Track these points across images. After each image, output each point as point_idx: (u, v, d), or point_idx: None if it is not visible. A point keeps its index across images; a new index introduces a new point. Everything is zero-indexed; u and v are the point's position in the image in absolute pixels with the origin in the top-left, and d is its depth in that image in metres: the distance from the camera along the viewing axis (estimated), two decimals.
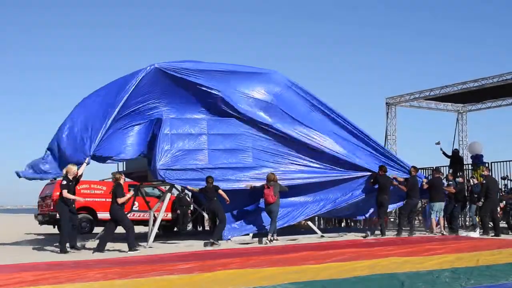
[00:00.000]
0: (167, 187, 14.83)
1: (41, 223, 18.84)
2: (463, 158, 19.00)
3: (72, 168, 12.08)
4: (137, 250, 11.67)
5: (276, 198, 13.39)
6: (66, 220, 11.97)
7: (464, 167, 19.41)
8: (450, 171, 17.53)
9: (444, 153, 18.55)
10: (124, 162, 15.29)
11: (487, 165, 18.30)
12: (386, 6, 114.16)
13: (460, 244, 11.24)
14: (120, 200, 11.80)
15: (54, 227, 19.05)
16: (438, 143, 18.40)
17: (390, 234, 15.07)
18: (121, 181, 12.17)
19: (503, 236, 14.45)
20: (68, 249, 11.79)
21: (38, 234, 18.27)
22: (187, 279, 7.24)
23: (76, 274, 7.60)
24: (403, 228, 15.00)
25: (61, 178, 12.17)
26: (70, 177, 12.03)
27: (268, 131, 14.26)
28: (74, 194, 12.24)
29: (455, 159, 18.61)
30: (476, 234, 14.57)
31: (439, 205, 15.11)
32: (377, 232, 14.99)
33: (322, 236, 14.21)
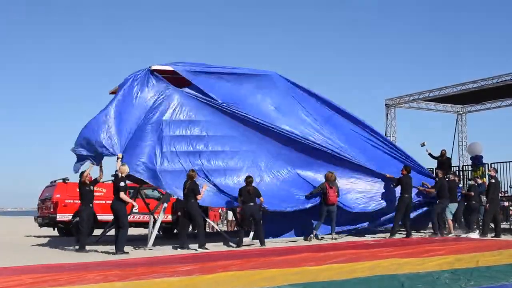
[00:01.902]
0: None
1: (41, 225, 18.84)
2: (451, 159, 18.77)
3: (126, 169, 12.09)
4: (207, 249, 12.14)
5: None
6: (126, 218, 12.02)
7: (453, 168, 19.24)
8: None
9: (430, 154, 18.12)
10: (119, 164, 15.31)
11: (486, 166, 18.31)
12: (386, 6, 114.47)
13: (460, 245, 11.23)
14: (200, 197, 12.34)
15: (54, 229, 19.05)
16: (423, 145, 18.14)
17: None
18: (196, 179, 12.52)
19: (503, 237, 14.47)
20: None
21: (38, 237, 18.26)
22: (187, 281, 7.23)
23: (76, 276, 7.59)
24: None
25: (116, 179, 12.09)
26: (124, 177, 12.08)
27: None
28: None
29: (443, 161, 18.22)
30: (475, 235, 14.59)
31: (453, 206, 15.24)
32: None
33: (322, 238, 14.20)
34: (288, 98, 15.03)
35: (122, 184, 11.82)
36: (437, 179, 15.52)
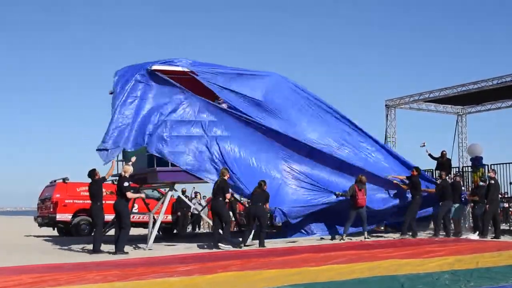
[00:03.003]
0: (167, 189, 14.82)
1: (40, 225, 18.84)
2: (451, 160, 18.73)
3: (130, 168, 12.20)
4: (225, 246, 12.24)
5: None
6: (129, 219, 12.13)
7: (453, 170, 19.22)
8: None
9: (430, 155, 17.97)
10: (124, 164, 15.30)
11: (487, 167, 18.29)
12: (386, 7, 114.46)
13: (460, 246, 11.23)
14: (228, 195, 12.67)
15: (53, 229, 19.05)
16: (423, 145, 18.11)
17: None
18: (226, 177, 12.76)
19: (502, 238, 14.47)
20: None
21: (38, 237, 18.25)
22: (187, 281, 7.23)
23: (75, 277, 7.59)
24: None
25: (120, 179, 12.14)
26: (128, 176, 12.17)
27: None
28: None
29: (443, 162, 18.17)
30: (475, 236, 14.59)
31: (457, 207, 15.34)
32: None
33: (322, 238, 14.20)
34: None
35: (126, 184, 11.80)
36: (440, 180, 15.49)
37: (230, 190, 13.43)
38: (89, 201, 17.76)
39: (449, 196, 14.93)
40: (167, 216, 18.33)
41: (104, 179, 12.65)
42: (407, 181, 15.11)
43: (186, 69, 13.98)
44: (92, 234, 13.87)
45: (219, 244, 12.34)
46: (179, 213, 18.78)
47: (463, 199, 15.74)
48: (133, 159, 12.65)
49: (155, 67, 13.53)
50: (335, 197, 14.16)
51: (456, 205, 15.26)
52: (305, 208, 13.86)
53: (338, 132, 15.29)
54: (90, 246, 12.54)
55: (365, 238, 13.99)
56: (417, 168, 15.27)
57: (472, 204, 15.83)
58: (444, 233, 14.92)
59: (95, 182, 12.25)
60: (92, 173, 12.33)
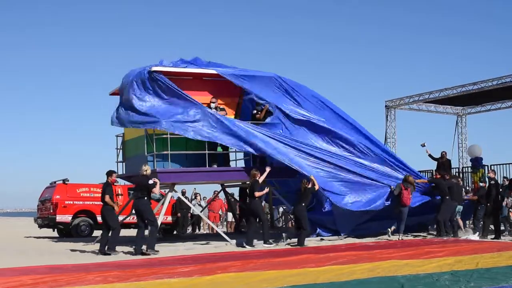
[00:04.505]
0: (167, 190, 14.83)
1: (40, 226, 18.83)
2: (451, 161, 18.75)
3: (149, 168, 12.21)
4: (271, 244, 12.61)
5: None
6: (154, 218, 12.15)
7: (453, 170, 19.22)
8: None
9: (430, 156, 18.01)
10: (124, 165, 15.33)
11: (487, 168, 18.29)
12: (386, 7, 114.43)
13: (460, 247, 11.23)
14: (258, 194, 12.80)
15: (53, 231, 19.04)
16: (423, 145, 18.10)
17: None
18: (257, 178, 12.98)
19: (503, 239, 14.46)
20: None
21: (38, 238, 18.24)
22: (187, 282, 7.24)
23: (76, 278, 7.60)
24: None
25: (144, 178, 11.96)
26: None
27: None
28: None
29: (443, 162, 18.17)
30: (475, 236, 14.59)
31: (459, 208, 15.41)
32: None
33: (322, 239, 14.20)
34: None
35: (151, 182, 11.79)
36: (444, 181, 15.52)
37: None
38: (89, 202, 18.00)
39: (455, 196, 15.01)
40: (167, 217, 18.35)
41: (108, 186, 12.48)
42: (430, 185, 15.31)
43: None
44: (99, 235, 13.87)
45: (265, 244, 12.71)
46: (179, 214, 18.79)
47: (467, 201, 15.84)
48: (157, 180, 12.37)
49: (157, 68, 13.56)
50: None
51: (459, 206, 15.31)
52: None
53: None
54: (96, 246, 12.56)
55: (398, 238, 14.04)
56: (439, 171, 15.73)
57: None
58: (452, 234, 14.90)
59: (108, 185, 12.21)
60: (108, 174, 12.34)
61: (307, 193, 13.21)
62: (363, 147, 15.06)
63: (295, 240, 13.16)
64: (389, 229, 14.35)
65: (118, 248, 12.10)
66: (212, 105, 13.97)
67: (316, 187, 13.40)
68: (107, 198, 11.92)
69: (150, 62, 13.80)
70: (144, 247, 11.61)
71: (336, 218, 14.49)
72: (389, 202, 14.45)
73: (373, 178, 14.73)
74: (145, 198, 11.78)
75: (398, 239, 13.87)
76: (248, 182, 13.40)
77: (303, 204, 13.11)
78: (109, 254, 11.63)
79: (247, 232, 13.19)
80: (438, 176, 15.46)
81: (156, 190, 11.93)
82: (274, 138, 14.05)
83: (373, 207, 14.36)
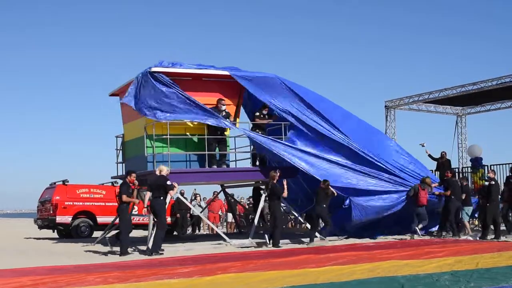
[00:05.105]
0: None
1: (40, 227, 18.82)
2: (450, 161, 18.74)
3: (165, 168, 12.18)
4: (280, 247, 12.60)
5: None
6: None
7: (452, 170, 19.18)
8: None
9: (430, 156, 17.90)
10: (125, 165, 15.32)
11: (486, 168, 18.28)
12: (385, 7, 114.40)
13: (460, 247, 11.23)
14: (285, 194, 13.13)
15: (53, 232, 19.03)
16: (422, 145, 18.08)
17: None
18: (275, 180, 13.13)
19: (503, 239, 14.46)
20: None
21: (38, 239, 18.24)
22: (187, 283, 7.24)
23: (76, 279, 7.60)
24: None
25: (162, 178, 12.01)
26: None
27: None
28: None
29: (443, 162, 18.14)
30: (469, 237, 14.62)
31: (468, 209, 15.55)
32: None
33: (322, 239, 14.19)
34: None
35: (169, 182, 11.83)
36: (450, 181, 15.57)
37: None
38: (89, 203, 18.00)
39: (458, 195, 15.07)
40: (166, 218, 18.33)
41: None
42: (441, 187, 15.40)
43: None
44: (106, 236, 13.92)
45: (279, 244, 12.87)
46: (178, 215, 18.77)
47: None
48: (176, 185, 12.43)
49: (156, 69, 13.53)
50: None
51: (468, 207, 15.41)
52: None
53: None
54: (95, 246, 12.57)
55: (420, 235, 14.24)
56: (451, 170, 15.95)
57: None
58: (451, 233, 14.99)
59: (125, 184, 12.18)
60: (128, 174, 12.35)
61: (326, 195, 13.63)
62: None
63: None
64: (416, 228, 14.50)
65: (114, 248, 12.12)
66: (223, 107, 14.00)
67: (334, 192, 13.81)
68: (124, 197, 11.89)
69: (150, 62, 13.83)
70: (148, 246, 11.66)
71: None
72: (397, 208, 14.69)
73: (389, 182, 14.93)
74: (162, 198, 11.82)
75: (413, 238, 14.02)
76: (261, 182, 13.51)
77: (324, 205, 13.63)
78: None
79: (276, 233, 13.19)
80: (450, 175, 15.56)
81: (173, 193, 11.96)
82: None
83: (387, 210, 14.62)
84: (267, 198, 13.81)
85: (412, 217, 14.62)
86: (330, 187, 13.73)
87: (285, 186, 13.22)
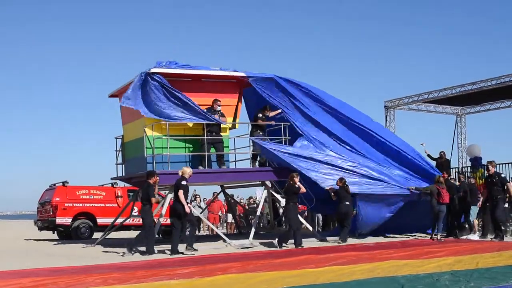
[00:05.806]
0: (167, 191, 14.82)
1: (40, 229, 18.82)
2: (450, 161, 18.72)
3: (187, 170, 12.27)
4: (302, 246, 12.58)
5: None
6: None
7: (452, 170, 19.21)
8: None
9: (429, 156, 17.88)
10: (124, 167, 15.32)
11: (486, 167, 18.25)
12: (385, 7, 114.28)
13: (460, 247, 11.24)
14: (303, 190, 13.07)
15: (53, 233, 19.03)
16: (422, 145, 18.10)
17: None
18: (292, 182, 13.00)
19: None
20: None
21: (38, 240, 18.23)
22: (187, 284, 7.25)
23: (76, 280, 7.60)
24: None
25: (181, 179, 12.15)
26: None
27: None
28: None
29: (442, 162, 18.12)
30: (475, 236, 14.59)
31: (475, 209, 15.41)
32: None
33: (322, 240, 14.19)
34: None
35: (184, 182, 11.96)
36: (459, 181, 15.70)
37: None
38: (89, 205, 18.00)
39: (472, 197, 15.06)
40: (166, 219, 18.34)
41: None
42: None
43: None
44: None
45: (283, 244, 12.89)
46: None
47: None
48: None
49: (155, 70, 13.54)
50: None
51: (475, 207, 15.38)
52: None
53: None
54: (95, 248, 12.55)
55: (438, 238, 14.14)
56: (447, 171, 16.03)
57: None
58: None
59: (148, 185, 12.20)
60: (150, 175, 12.34)
61: (347, 193, 13.69)
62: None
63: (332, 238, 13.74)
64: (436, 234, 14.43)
65: (119, 249, 12.12)
66: (218, 107, 13.97)
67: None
68: (153, 200, 12.04)
69: (150, 63, 13.86)
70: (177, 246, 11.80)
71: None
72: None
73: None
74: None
75: (438, 238, 13.99)
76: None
77: (347, 202, 13.65)
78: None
79: (298, 235, 13.09)
80: (446, 176, 15.58)
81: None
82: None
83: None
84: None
85: (436, 216, 14.40)
86: (347, 184, 13.73)
87: (299, 184, 13.11)
